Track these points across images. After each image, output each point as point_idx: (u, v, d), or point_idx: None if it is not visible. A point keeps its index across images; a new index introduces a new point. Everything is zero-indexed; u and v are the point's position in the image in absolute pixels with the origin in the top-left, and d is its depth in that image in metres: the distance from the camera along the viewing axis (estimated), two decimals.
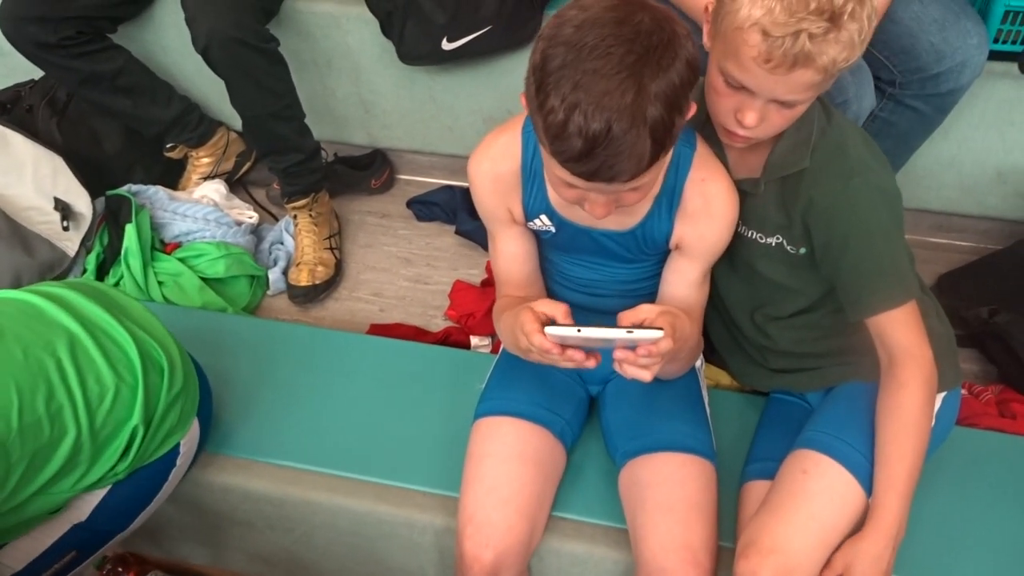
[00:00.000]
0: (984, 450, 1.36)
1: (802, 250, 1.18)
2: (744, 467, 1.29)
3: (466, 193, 2.03)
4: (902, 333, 1.12)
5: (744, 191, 1.16)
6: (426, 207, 2.04)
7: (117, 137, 1.97)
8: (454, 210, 2.00)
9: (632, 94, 0.89)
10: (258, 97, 1.70)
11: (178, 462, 1.28)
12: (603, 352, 1.05)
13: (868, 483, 1.12)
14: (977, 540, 1.25)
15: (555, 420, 1.30)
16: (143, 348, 1.19)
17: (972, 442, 1.36)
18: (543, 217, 1.21)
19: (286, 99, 1.75)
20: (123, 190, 1.86)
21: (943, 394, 1.20)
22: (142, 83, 1.91)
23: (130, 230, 1.76)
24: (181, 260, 1.79)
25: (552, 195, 1.17)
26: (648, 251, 1.21)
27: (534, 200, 1.19)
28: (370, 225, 2.05)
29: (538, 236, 1.26)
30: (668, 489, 1.20)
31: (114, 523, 1.26)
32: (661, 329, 0.98)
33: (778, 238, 1.19)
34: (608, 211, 1.03)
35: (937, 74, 1.43)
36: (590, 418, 1.38)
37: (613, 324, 1.00)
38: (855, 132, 1.17)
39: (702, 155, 1.14)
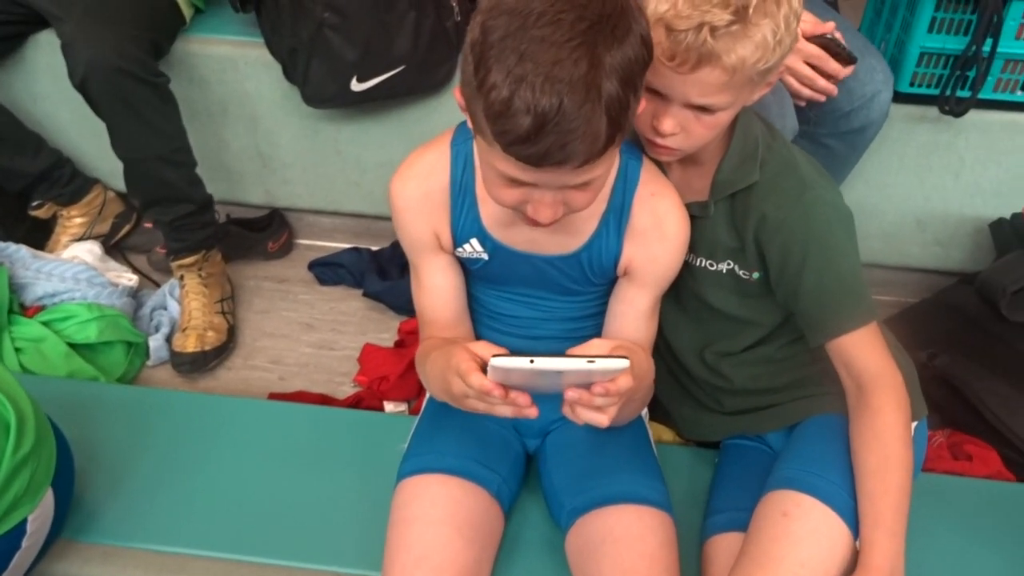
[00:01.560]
0: (946, 495, 1.28)
1: (755, 275, 1.11)
2: (704, 521, 1.16)
3: (374, 255, 1.90)
4: (869, 356, 1.05)
5: (692, 216, 1.09)
6: (330, 269, 1.88)
7: None
8: (361, 272, 1.85)
9: (585, 64, 0.79)
10: (143, 137, 1.52)
11: (24, 543, 1.05)
12: (542, 400, 0.90)
13: (854, 522, 1.01)
14: None
15: (491, 477, 1.14)
16: None
17: (932, 487, 1.27)
18: (474, 242, 1.09)
19: (176, 141, 1.58)
20: None
21: (914, 424, 1.11)
22: (6, 132, 1.70)
23: None
24: (45, 324, 1.56)
25: (485, 216, 1.06)
26: (595, 279, 1.10)
27: (464, 222, 1.07)
28: (267, 290, 1.87)
29: (467, 268, 1.14)
30: (625, 546, 1.05)
31: None
32: (626, 358, 0.85)
33: (729, 264, 1.12)
34: (554, 214, 0.91)
35: (849, 111, 1.46)
36: (527, 478, 1.23)
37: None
38: (800, 152, 1.14)
39: (650, 169, 1.07)
